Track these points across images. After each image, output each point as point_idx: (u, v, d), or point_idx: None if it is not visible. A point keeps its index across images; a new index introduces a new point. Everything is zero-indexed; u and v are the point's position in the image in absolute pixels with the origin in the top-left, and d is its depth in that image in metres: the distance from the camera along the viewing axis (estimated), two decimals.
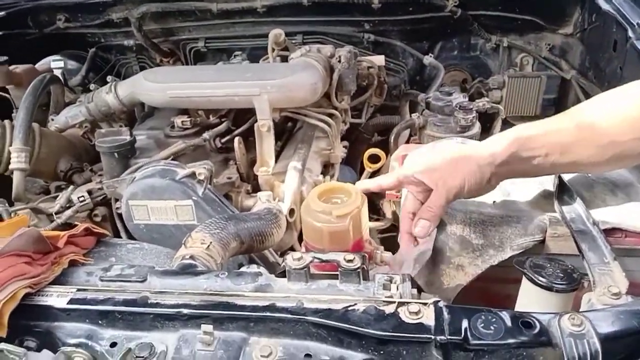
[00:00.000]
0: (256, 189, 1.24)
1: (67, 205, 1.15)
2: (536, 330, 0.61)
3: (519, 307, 0.79)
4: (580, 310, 0.69)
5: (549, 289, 0.73)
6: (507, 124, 1.85)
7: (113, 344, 0.68)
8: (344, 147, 1.54)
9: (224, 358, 0.64)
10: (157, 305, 0.69)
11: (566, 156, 0.78)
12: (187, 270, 0.78)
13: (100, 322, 0.69)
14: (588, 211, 0.83)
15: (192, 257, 0.80)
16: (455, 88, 1.34)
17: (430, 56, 1.73)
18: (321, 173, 1.38)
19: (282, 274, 1.12)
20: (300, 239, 1.21)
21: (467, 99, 1.28)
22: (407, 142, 1.44)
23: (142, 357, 0.65)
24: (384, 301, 0.66)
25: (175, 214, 1.06)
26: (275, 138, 1.45)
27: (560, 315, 0.62)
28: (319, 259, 0.74)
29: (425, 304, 0.65)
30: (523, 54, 1.79)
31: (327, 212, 0.82)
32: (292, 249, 1.20)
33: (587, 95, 1.63)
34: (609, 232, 0.84)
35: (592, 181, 0.94)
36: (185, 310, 0.67)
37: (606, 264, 0.73)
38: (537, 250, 0.87)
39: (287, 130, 1.54)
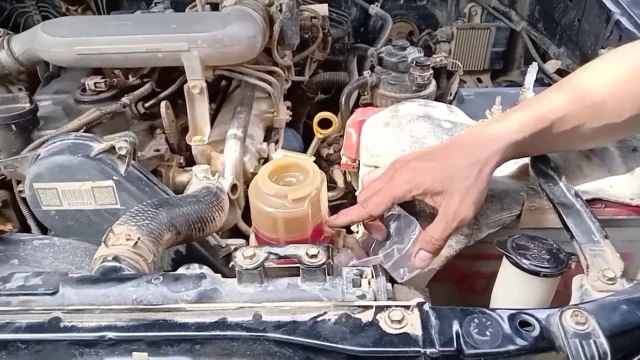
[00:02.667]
0: (190, 161, 1.08)
1: None
2: (536, 332, 0.53)
3: (499, 292, 0.72)
4: (573, 297, 0.62)
5: (535, 273, 0.65)
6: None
7: None
8: (287, 108, 1.40)
9: None
10: (72, 329, 0.54)
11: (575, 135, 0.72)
12: (110, 276, 0.63)
13: None
14: (567, 181, 0.75)
15: (115, 259, 0.65)
16: (408, 42, 1.21)
17: (377, 5, 1.58)
18: (264, 140, 1.24)
19: (227, 259, 1.00)
20: (244, 217, 1.08)
21: (422, 53, 1.16)
22: (357, 100, 1.32)
23: None
24: (358, 306, 0.55)
25: (93, 197, 0.89)
26: (209, 99, 1.29)
27: (562, 311, 0.54)
28: (275, 254, 0.62)
29: (407, 307, 0.54)
30: (472, 4, 1.69)
31: (281, 196, 0.69)
32: (237, 227, 1.07)
33: (537, 48, 1.57)
34: (589, 202, 0.78)
35: None
36: (110, 334, 0.53)
37: (596, 242, 0.66)
38: (511, 224, 0.79)
39: (221, 90, 1.37)
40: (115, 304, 0.58)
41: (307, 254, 0.60)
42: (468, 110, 1.06)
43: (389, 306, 0.55)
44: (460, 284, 0.88)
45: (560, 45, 1.42)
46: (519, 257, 0.66)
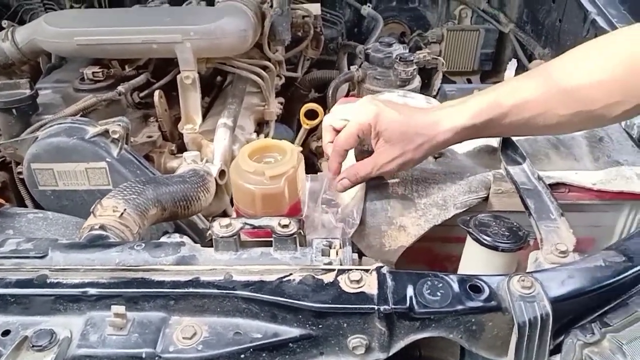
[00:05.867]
0: (182, 149, 1.13)
1: None
2: (485, 295, 0.56)
3: (463, 268, 0.76)
4: (527, 270, 0.66)
5: (494, 248, 0.69)
6: (444, 80, 1.82)
7: (5, 332, 0.57)
8: (279, 103, 1.45)
9: (140, 342, 0.55)
10: (57, 285, 0.59)
11: (537, 121, 0.74)
12: (96, 242, 0.68)
13: None
14: (532, 166, 0.80)
15: (102, 227, 0.70)
16: (395, 39, 1.26)
17: (369, 6, 1.64)
18: (255, 132, 1.28)
19: (210, 243, 1.05)
20: (233, 203, 1.12)
21: (407, 50, 1.21)
22: (347, 96, 1.37)
23: (40, 345, 0.55)
24: (322, 269, 0.60)
25: (87, 178, 0.94)
26: (203, 92, 1.33)
27: (510, 277, 0.58)
28: (250, 225, 0.66)
29: (367, 270, 0.59)
30: (462, 6, 1.74)
31: (259, 173, 0.74)
32: (225, 214, 1.11)
33: (524, 50, 1.62)
34: (553, 187, 0.82)
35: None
36: (91, 290, 0.58)
37: (553, 220, 0.70)
38: (480, 207, 0.83)
39: (216, 85, 1.42)
40: (98, 266, 0.62)
41: (279, 224, 0.65)
42: None
43: (350, 269, 0.59)
44: (433, 265, 0.92)
45: (546, 46, 1.46)
46: (480, 234, 0.70)
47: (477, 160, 0.88)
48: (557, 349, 0.58)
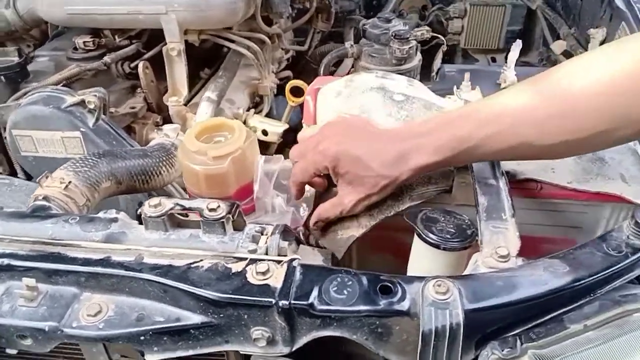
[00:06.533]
0: (168, 121, 1.13)
1: None
2: (395, 298, 0.53)
3: (410, 264, 0.72)
4: (465, 272, 0.62)
5: (436, 246, 0.65)
6: (467, 58, 1.72)
7: None
8: (284, 77, 1.42)
9: (46, 316, 0.56)
10: None
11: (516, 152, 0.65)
12: (37, 213, 0.69)
13: None
14: (498, 161, 0.74)
15: (45, 198, 0.71)
16: (393, 15, 1.19)
17: None
18: (254, 106, 1.27)
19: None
20: None
21: (407, 27, 1.14)
22: (347, 74, 1.32)
23: None
24: (235, 258, 0.58)
25: (64, 146, 0.96)
26: (206, 64, 1.33)
27: (427, 280, 0.54)
28: (181, 206, 0.65)
29: (279, 262, 0.57)
30: None
31: (202, 153, 0.72)
32: None
33: (552, 29, 1.49)
34: (523, 182, 0.76)
35: None
36: (8, 261, 0.59)
37: (503, 221, 0.64)
38: (443, 200, 0.78)
39: (221, 56, 1.40)
40: (34, 237, 0.64)
41: (207, 207, 0.63)
42: (449, 86, 1.04)
43: (261, 259, 0.57)
44: (398, 255, 0.88)
45: (572, 25, 1.34)
46: (424, 230, 0.66)
47: None
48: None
